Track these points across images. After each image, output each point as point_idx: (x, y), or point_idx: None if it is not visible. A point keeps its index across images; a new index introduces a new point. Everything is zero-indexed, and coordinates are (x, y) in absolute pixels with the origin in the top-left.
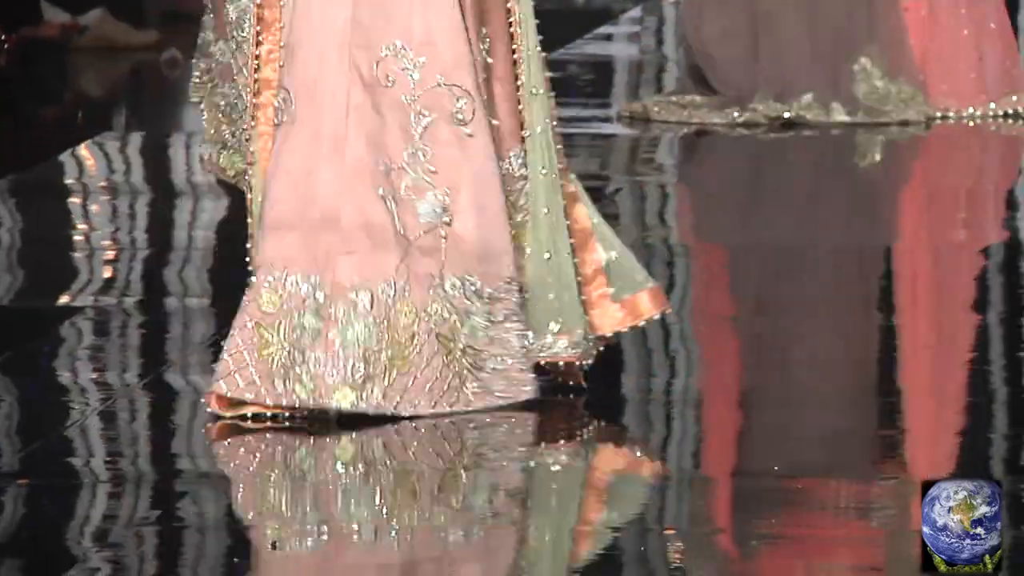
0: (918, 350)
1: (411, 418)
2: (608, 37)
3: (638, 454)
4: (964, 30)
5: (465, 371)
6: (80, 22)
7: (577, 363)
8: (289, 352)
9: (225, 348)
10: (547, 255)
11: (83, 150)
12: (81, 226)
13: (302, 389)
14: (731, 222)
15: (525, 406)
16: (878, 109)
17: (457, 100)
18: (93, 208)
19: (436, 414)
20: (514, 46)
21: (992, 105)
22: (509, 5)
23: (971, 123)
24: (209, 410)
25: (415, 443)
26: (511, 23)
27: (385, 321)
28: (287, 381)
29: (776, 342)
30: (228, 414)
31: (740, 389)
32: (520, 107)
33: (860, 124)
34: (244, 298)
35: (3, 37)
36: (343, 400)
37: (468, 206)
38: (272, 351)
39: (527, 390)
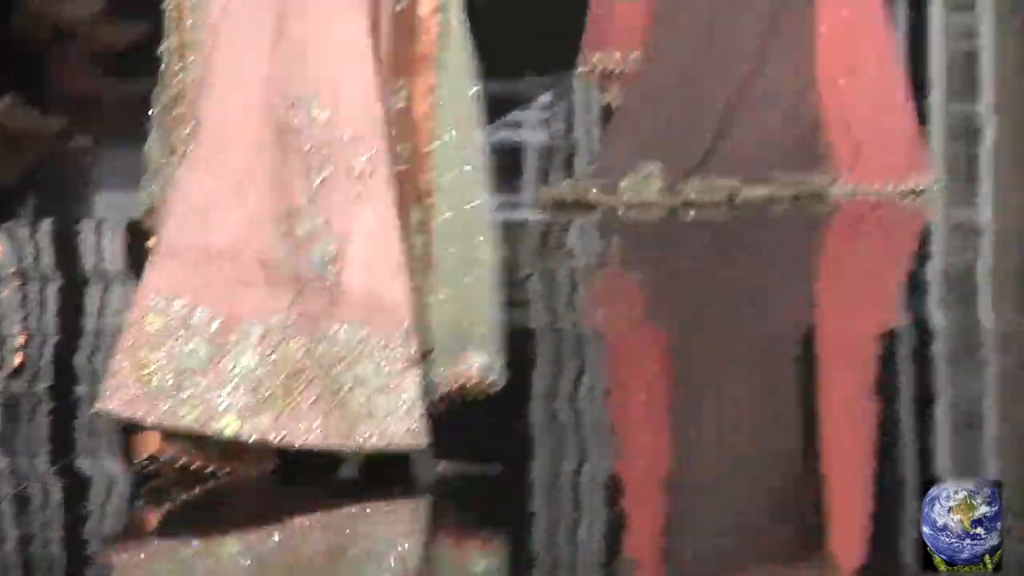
0: (831, 436)
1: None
2: (518, 124)
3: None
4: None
5: (355, 413)
6: None
7: (487, 385)
8: (174, 375)
9: (109, 369)
10: (449, 292)
11: None
12: None
13: (188, 413)
14: (644, 306)
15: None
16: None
17: (359, 156)
18: (3, 294)
19: (324, 448)
20: (431, 98)
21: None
22: (430, 52)
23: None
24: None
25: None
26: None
27: (275, 355)
28: (171, 402)
29: (688, 427)
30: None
31: (653, 474)
32: (430, 153)
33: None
34: (128, 318)
35: None
36: (228, 427)
37: (359, 259)
38: (152, 371)
39: (418, 441)
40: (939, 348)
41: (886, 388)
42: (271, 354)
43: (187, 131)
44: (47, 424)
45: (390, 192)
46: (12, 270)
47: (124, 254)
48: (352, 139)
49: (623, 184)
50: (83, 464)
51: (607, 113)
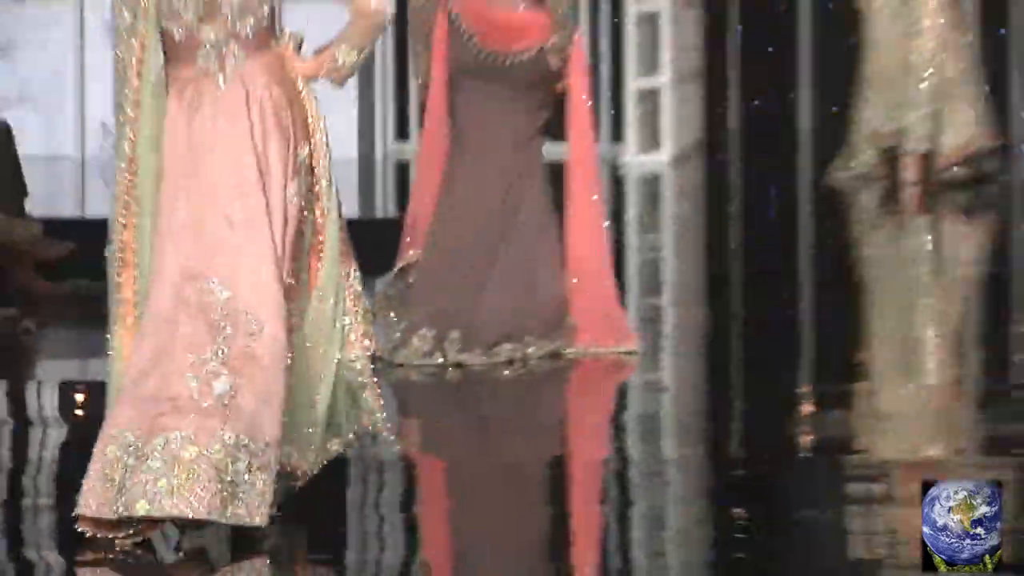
0: None
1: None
2: None
3: None
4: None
5: (229, 496)
6: None
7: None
8: (119, 482)
9: (84, 481)
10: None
11: None
12: None
13: (119, 504)
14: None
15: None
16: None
17: (252, 324)
18: None
19: (207, 520)
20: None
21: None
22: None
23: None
24: (80, 529)
25: None
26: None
27: (174, 457)
28: (117, 500)
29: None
30: (93, 530)
31: None
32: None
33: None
34: (96, 448)
35: None
36: (141, 509)
37: (249, 392)
38: (113, 480)
39: (260, 520)
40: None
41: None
42: (171, 458)
43: (136, 314)
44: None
45: (281, 345)
46: None
47: (58, 406)
48: (247, 313)
49: (413, 348)
50: None
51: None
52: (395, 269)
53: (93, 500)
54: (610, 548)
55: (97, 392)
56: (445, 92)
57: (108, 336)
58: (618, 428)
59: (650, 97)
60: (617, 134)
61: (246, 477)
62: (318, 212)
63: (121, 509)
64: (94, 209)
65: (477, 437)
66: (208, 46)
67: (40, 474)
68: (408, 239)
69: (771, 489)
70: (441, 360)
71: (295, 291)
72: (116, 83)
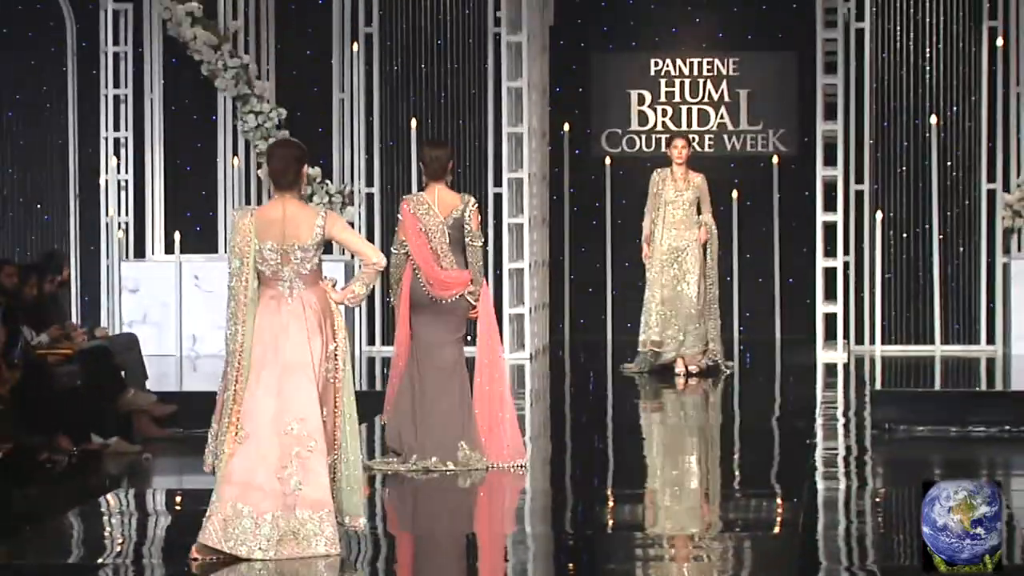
0: None
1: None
2: None
3: None
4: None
5: (306, 544)
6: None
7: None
8: (237, 537)
9: (207, 525)
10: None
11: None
12: None
13: (243, 549)
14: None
15: None
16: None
17: (309, 443)
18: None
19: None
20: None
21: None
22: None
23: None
24: (194, 555)
25: None
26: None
27: (276, 527)
28: (238, 546)
29: None
30: (203, 557)
31: None
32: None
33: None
34: (215, 508)
35: (74, 450)
36: (258, 554)
37: (310, 484)
38: (228, 528)
39: (335, 550)
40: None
41: None
42: (272, 528)
43: (239, 435)
44: None
45: (324, 455)
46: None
47: (164, 504)
48: (307, 435)
49: (391, 466)
50: None
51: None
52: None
53: (214, 539)
54: None
55: (189, 496)
56: (407, 311)
57: (223, 442)
58: (514, 511)
59: None
60: None
61: (314, 528)
62: (337, 382)
63: (243, 552)
64: (188, 386)
65: (426, 518)
66: (284, 279)
67: (153, 545)
68: (386, 402)
69: (592, 550)
70: (405, 468)
71: (328, 423)
72: (229, 301)
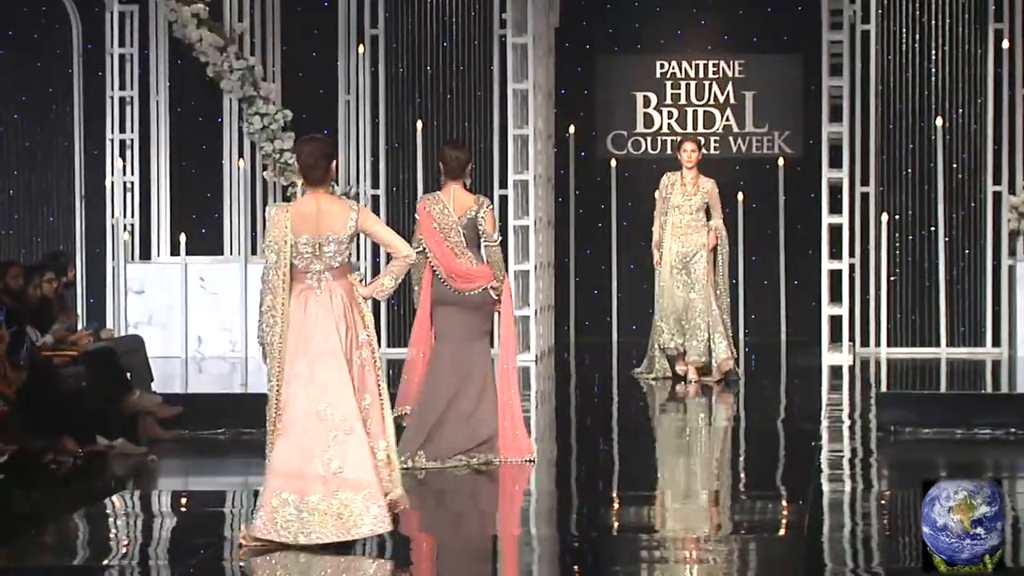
0: None
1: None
2: None
3: None
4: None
5: (352, 524)
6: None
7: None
8: (282, 524)
9: (256, 516)
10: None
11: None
12: None
13: (288, 535)
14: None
15: None
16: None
17: (346, 427)
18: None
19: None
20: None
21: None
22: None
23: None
24: (243, 544)
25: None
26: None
27: (315, 509)
28: (283, 533)
29: None
30: (250, 544)
31: None
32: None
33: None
34: (263, 500)
35: (80, 451)
36: (302, 539)
37: (351, 466)
38: (275, 520)
39: (385, 527)
40: None
41: None
42: (313, 511)
43: (280, 425)
44: None
45: (364, 438)
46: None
47: (170, 505)
48: (343, 420)
49: (413, 462)
50: None
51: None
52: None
53: (263, 529)
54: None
55: (195, 498)
56: (429, 311)
57: (269, 431)
58: (519, 512)
59: None
60: None
61: (358, 508)
62: (376, 366)
63: (288, 539)
64: (193, 387)
65: (441, 513)
66: (314, 272)
67: (159, 547)
68: (402, 397)
69: (597, 552)
70: (424, 465)
71: (370, 406)
72: (265, 295)
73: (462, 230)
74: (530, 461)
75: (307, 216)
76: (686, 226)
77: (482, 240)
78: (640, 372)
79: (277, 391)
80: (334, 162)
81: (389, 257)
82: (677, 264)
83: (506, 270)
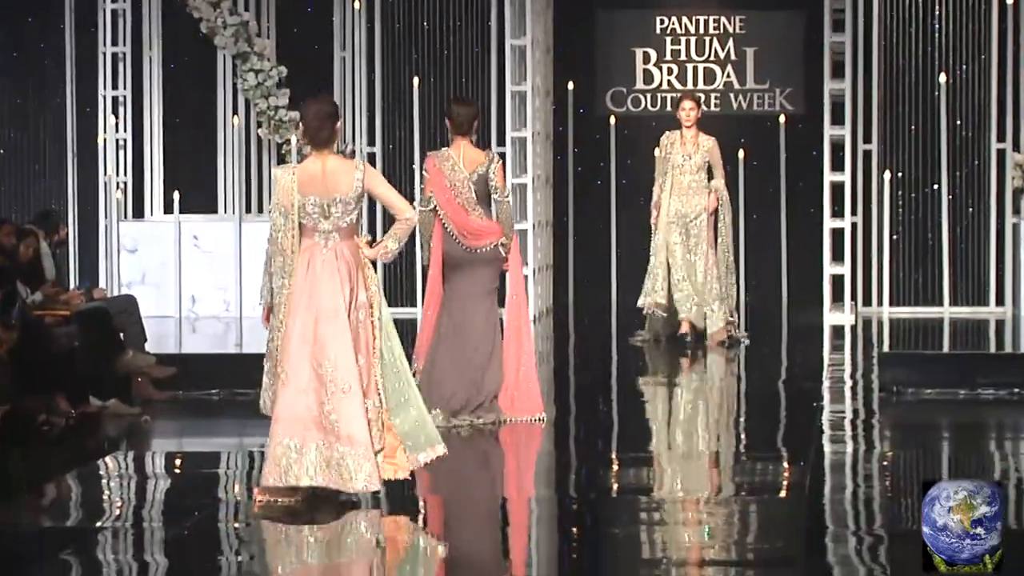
0: None
1: None
2: None
3: None
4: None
5: (348, 477)
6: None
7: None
8: (285, 467)
9: (264, 466)
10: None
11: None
12: None
13: (290, 477)
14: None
15: None
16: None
17: (343, 384)
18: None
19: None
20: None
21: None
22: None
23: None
24: (258, 499)
25: None
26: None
27: (319, 455)
28: (286, 476)
29: None
30: (265, 498)
31: None
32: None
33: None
34: (268, 450)
35: (73, 412)
36: (305, 481)
37: (346, 423)
38: (280, 464)
39: (372, 487)
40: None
41: None
42: (319, 455)
43: (282, 375)
44: None
45: (360, 393)
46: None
47: (163, 467)
48: (342, 379)
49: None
50: None
51: None
52: None
53: (271, 477)
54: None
55: (188, 459)
56: (440, 268)
57: (267, 383)
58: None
59: None
60: None
61: (352, 465)
62: (373, 327)
63: (292, 481)
64: (187, 347)
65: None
66: (322, 231)
67: (153, 508)
68: (416, 356)
69: (596, 514)
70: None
71: (363, 366)
72: (275, 255)
73: (472, 186)
74: (539, 420)
75: (314, 177)
76: (687, 187)
77: (493, 196)
78: (639, 337)
79: (280, 346)
80: (338, 123)
81: (386, 213)
82: (676, 224)
83: (513, 228)
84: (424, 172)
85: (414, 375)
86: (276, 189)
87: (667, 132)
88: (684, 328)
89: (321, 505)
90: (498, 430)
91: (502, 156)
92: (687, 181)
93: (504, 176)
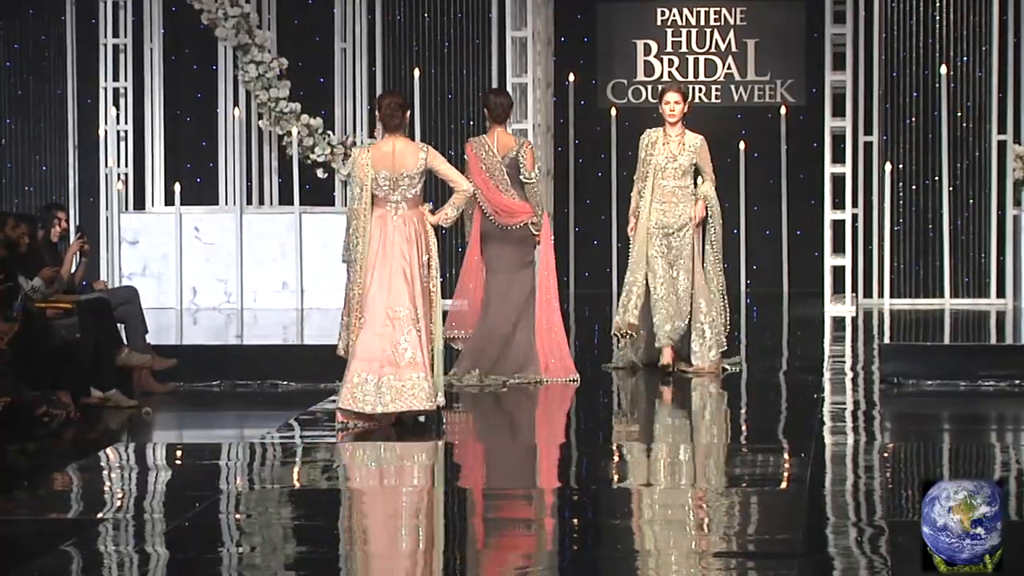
0: None
1: None
2: None
3: None
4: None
5: (410, 398)
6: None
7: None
8: (361, 398)
9: (340, 393)
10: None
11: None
12: None
13: (366, 405)
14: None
15: None
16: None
17: (413, 326)
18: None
19: (401, 411)
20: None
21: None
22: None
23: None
24: (340, 420)
25: None
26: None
27: (391, 386)
28: (362, 404)
29: None
30: (349, 422)
31: None
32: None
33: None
34: (346, 378)
35: (73, 404)
36: (380, 408)
37: (416, 352)
38: (356, 396)
39: (432, 405)
40: None
41: None
42: (387, 386)
43: (362, 320)
44: None
45: (427, 332)
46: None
47: (164, 458)
48: (411, 319)
49: (465, 378)
50: None
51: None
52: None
53: (348, 403)
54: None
55: (189, 451)
56: (479, 243)
57: (345, 328)
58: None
59: None
60: None
61: (417, 387)
62: (433, 287)
63: (368, 409)
64: (188, 339)
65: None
66: (392, 201)
67: (154, 499)
68: (454, 324)
69: (597, 505)
70: (474, 383)
71: (424, 317)
72: (352, 221)
73: (505, 169)
74: (573, 380)
75: (385, 156)
76: (670, 194)
77: (520, 177)
78: (612, 365)
79: (360, 296)
80: (407, 112)
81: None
82: (657, 233)
83: (543, 207)
84: (465, 157)
85: (455, 340)
86: (354, 165)
87: (648, 130)
88: (666, 359)
89: (390, 430)
90: (538, 390)
91: None
92: (671, 187)
93: (533, 159)
